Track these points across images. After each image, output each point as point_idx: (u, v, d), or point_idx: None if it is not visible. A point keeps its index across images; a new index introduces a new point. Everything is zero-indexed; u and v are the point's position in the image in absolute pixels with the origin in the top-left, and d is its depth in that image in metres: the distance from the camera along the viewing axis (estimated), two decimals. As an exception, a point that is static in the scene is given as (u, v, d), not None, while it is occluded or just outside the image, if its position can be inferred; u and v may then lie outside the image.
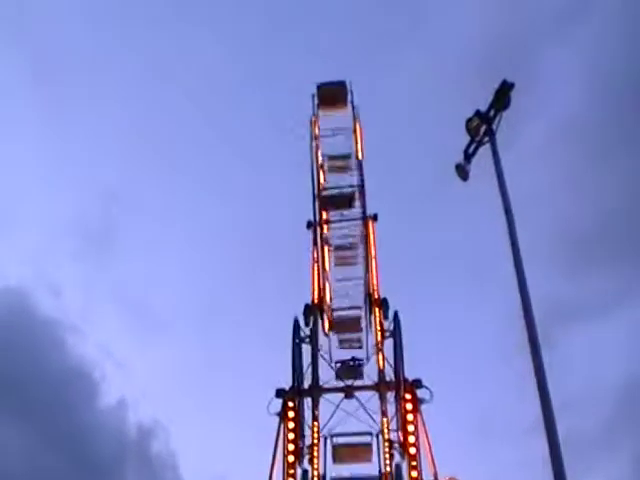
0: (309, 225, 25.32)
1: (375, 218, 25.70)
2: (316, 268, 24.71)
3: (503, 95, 14.80)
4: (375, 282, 24.39)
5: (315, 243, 25.21)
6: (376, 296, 23.97)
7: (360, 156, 27.03)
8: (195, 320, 67.66)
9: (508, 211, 14.02)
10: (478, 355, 56.61)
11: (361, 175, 26.66)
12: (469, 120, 15.55)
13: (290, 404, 21.47)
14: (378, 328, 23.25)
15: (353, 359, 23.51)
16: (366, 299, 24.50)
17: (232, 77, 66.79)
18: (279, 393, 21.69)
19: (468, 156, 15.82)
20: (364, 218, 25.75)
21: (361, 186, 26.44)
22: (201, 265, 68.18)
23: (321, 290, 24.43)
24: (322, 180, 26.79)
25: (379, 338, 22.88)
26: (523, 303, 12.76)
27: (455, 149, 15.81)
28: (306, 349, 22.92)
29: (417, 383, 21.06)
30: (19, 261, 65.44)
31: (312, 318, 23.32)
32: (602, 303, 54.58)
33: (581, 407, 48.25)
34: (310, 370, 22.61)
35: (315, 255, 24.93)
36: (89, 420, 56.24)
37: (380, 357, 22.70)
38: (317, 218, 25.76)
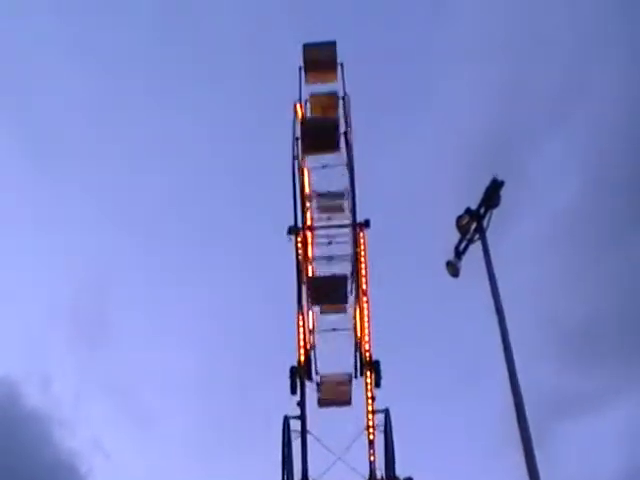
0: (290, 231, 22.87)
1: (367, 224, 23.30)
2: (301, 325, 22.66)
3: (493, 193, 15.07)
4: (367, 339, 22.67)
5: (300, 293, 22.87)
6: (368, 357, 22.55)
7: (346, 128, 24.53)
8: (187, 414, 66.68)
9: (499, 310, 14.09)
10: (470, 453, 55.75)
11: (350, 152, 24.25)
12: (460, 217, 15.77)
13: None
14: (368, 395, 22.43)
15: None
16: (356, 362, 23.22)
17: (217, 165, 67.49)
18: (270, 488, 21.28)
19: (459, 253, 15.99)
20: (354, 224, 23.43)
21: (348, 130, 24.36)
22: (194, 359, 67.69)
23: (307, 352, 22.76)
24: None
25: (369, 422, 22.46)
26: (515, 401, 12.75)
27: (448, 246, 15.98)
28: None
29: (409, 481, 20.81)
30: (8, 351, 64.81)
31: (299, 382, 22.14)
32: (596, 399, 54.10)
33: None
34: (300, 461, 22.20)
35: (300, 317, 22.72)
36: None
37: (370, 442, 22.27)
38: (301, 214, 23.63)
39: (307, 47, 24.31)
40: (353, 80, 24.53)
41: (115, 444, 68.51)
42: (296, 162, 23.57)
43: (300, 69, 24.51)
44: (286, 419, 22.27)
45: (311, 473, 22.06)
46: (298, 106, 24.08)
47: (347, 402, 23.13)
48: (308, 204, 24.03)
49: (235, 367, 60.09)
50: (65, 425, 61.20)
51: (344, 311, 23.28)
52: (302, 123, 23.88)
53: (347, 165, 24.00)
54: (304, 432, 21.79)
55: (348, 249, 23.42)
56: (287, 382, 22.00)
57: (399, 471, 21.46)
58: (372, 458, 22.23)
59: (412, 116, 62.74)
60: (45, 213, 67.58)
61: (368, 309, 22.53)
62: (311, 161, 24.48)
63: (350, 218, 23.65)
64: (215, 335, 64.36)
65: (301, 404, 21.94)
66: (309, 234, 23.37)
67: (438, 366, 59.06)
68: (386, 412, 22.44)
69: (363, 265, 22.89)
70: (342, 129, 24.26)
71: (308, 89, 24.86)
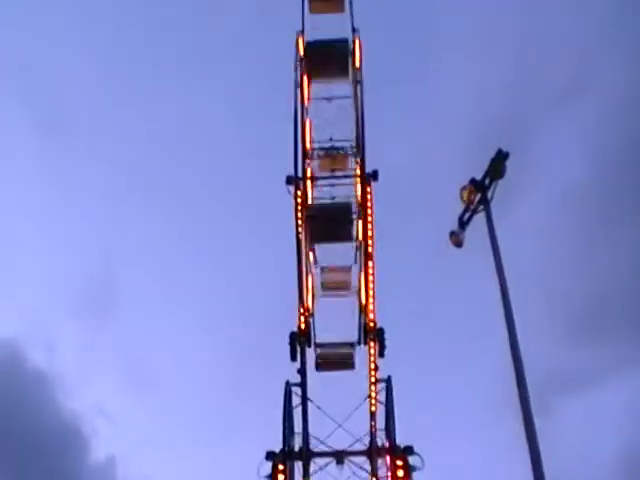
0: (289, 180, 21.15)
1: (375, 177, 21.50)
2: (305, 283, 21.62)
3: (498, 164, 15.01)
4: (372, 307, 21.64)
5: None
6: (372, 325, 21.63)
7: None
8: (188, 381, 67.19)
9: (502, 282, 14.10)
10: (472, 422, 56.11)
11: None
12: (464, 188, 15.72)
13: (280, 467, 21.02)
14: (372, 367, 22.15)
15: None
16: (360, 329, 22.52)
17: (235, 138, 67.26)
18: (269, 456, 21.22)
19: (462, 224, 15.97)
20: (362, 175, 21.57)
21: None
22: (199, 327, 68.03)
23: (307, 317, 21.84)
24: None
25: (372, 393, 22.41)
26: (516, 373, 12.79)
27: (453, 217, 15.95)
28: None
29: (409, 450, 20.79)
30: (15, 315, 65.23)
31: (299, 349, 21.59)
32: (599, 375, 54.30)
33: (578, 478, 47.80)
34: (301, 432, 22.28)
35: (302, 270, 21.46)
36: (79, 475, 55.67)
37: (372, 413, 22.31)
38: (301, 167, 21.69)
39: None
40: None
41: (118, 408, 69.16)
42: (298, 92, 21.70)
43: None
44: (287, 385, 22.30)
45: (312, 441, 22.28)
46: (300, 39, 21.62)
47: (350, 365, 22.75)
48: (309, 161, 22.36)
49: (239, 334, 60.48)
50: (69, 389, 62.01)
51: (347, 288, 22.71)
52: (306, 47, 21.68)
53: (354, 97, 22.05)
54: (305, 399, 21.81)
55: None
56: (287, 348, 21.48)
57: (399, 439, 21.58)
58: (373, 428, 22.36)
59: (422, 87, 62.61)
60: (55, 185, 67.78)
61: (373, 274, 21.58)
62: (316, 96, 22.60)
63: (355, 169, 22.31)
64: (220, 304, 64.76)
65: (301, 371, 21.80)
66: (309, 184, 21.85)
67: (440, 335, 59.23)
68: (388, 380, 22.45)
69: (370, 225, 21.38)
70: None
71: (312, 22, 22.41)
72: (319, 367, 22.60)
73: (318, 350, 22.52)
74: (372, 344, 21.69)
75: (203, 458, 60.42)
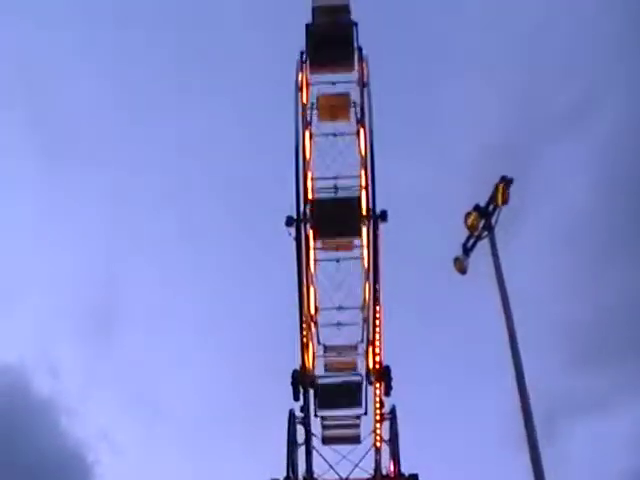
0: (289, 222, 19.73)
1: (384, 217, 19.70)
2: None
3: (502, 190, 15.01)
4: (378, 349, 20.78)
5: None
6: (377, 365, 21.00)
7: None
8: (193, 408, 66.89)
9: (506, 308, 14.06)
10: (477, 450, 55.77)
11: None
12: (468, 214, 15.73)
13: (286, 494, 20.90)
14: (377, 406, 21.66)
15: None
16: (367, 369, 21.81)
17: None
18: (273, 485, 21.12)
19: (467, 250, 15.96)
20: (371, 217, 19.93)
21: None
22: (203, 351, 67.92)
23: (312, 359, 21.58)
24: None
25: (377, 431, 22.29)
26: (521, 400, 12.71)
27: (458, 243, 15.94)
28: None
29: (413, 478, 20.66)
30: (18, 340, 65.13)
31: (301, 389, 21.00)
32: (606, 399, 54.02)
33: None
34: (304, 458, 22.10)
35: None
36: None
37: (377, 449, 22.11)
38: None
39: None
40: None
41: (122, 435, 68.63)
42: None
43: None
44: (291, 414, 22.15)
45: (316, 469, 22.09)
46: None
47: (356, 440, 22.30)
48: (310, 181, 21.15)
49: (244, 358, 60.24)
50: (73, 415, 61.53)
51: (353, 368, 22.13)
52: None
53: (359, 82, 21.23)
54: (308, 437, 21.71)
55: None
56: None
57: (404, 468, 21.40)
58: (378, 457, 22.17)
59: (426, 113, 62.77)
60: (55, 206, 68.02)
61: (380, 319, 20.57)
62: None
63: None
64: (224, 327, 64.59)
65: (305, 409, 21.44)
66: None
67: (445, 363, 59.03)
68: (392, 410, 22.29)
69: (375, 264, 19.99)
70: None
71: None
72: (325, 442, 22.38)
73: (323, 422, 22.34)
74: (378, 384, 21.09)
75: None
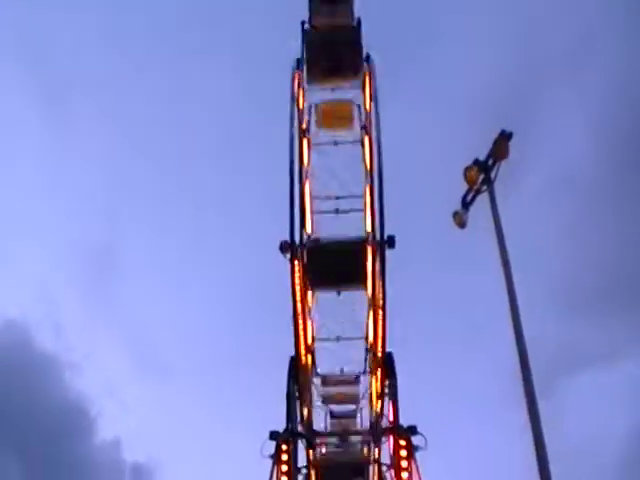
0: (282, 248, 18.49)
1: (391, 244, 18.19)
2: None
3: (501, 145, 14.94)
4: (380, 347, 19.94)
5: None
6: (379, 353, 20.51)
7: None
8: (195, 361, 67.48)
9: (505, 261, 14.08)
10: (476, 404, 56.31)
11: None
12: (467, 169, 15.68)
13: (284, 447, 20.97)
14: (377, 386, 21.34)
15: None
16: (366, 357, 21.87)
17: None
18: (273, 435, 21.17)
19: (466, 204, 15.94)
20: (377, 241, 18.66)
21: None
22: (205, 307, 68.27)
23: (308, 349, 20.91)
24: None
25: (377, 387, 22.26)
26: (520, 353, 12.78)
27: (457, 197, 15.90)
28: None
29: (412, 430, 20.71)
30: (20, 295, 65.53)
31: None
32: (605, 354, 54.59)
33: (585, 455, 48.04)
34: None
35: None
36: (85, 456, 56.12)
37: (376, 403, 22.21)
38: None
39: None
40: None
41: (124, 387, 69.65)
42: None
43: None
44: (291, 360, 22.18)
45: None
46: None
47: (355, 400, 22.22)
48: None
49: (245, 307, 60.70)
50: (76, 369, 62.23)
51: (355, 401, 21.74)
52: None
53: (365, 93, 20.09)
54: (309, 401, 21.63)
55: None
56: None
57: (403, 420, 21.49)
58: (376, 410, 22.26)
59: (425, 68, 62.30)
60: (57, 155, 67.97)
61: (384, 321, 19.01)
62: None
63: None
64: (229, 284, 64.98)
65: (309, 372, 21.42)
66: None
67: (444, 318, 59.42)
68: (389, 357, 22.10)
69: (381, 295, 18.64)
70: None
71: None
72: (324, 401, 22.33)
73: (322, 390, 22.16)
74: (379, 374, 20.65)
75: (208, 438, 60.94)
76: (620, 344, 53.36)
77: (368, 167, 19.03)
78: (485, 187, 15.35)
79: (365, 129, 19.90)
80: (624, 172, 52.33)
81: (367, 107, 20.07)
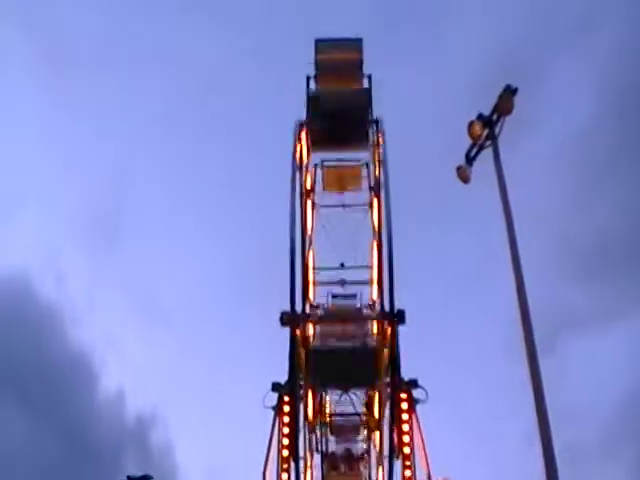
0: (283, 320, 18.13)
1: (401, 319, 18.21)
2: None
3: (506, 100, 14.79)
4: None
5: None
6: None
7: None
8: (197, 313, 68.12)
9: (508, 216, 14.02)
10: (477, 359, 56.87)
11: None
12: (471, 123, 15.54)
13: (286, 398, 21.13)
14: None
15: None
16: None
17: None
18: (275, 387, 21.35)
19: (470, 159, 15.83)
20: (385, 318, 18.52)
21: None
22: (206, 258, 68.50)
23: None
24: None
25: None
26: (521, 311, 12.77)
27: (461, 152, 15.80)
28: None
29: (413, 383, 20.84)
30: (23, 247, 65.70)
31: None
32: (603, 314, 54.94)
33: (581, 415, 48.69)
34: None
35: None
36: (89, 406, 56.92)
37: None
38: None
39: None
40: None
41: (127, 338, 70.23)
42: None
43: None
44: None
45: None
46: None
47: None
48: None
49: (249, 269, 61.05)
50: (78, 320, 62.78)
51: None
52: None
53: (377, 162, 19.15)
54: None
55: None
56: None
57: (404, 373, 21.52)
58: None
59: (432, 25, 61.79)
60: (62, 111, 67.57)
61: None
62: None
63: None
64: (230, 237, 65.12)
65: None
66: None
67: (446, 272, 59.68)
68: (398, 315, 22.08)
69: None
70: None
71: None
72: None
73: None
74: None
75: (211, 389, 61.71)
76: (620, 305, 53.78)
77: (376, 233, 18.53)
78: (489, 142, 15.23)
79: (373, 190, 19.24)
80: (628, 134, 52.06)
81: (376, 173, 19.34)
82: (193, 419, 60.85)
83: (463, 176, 16.06)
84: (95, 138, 70.66)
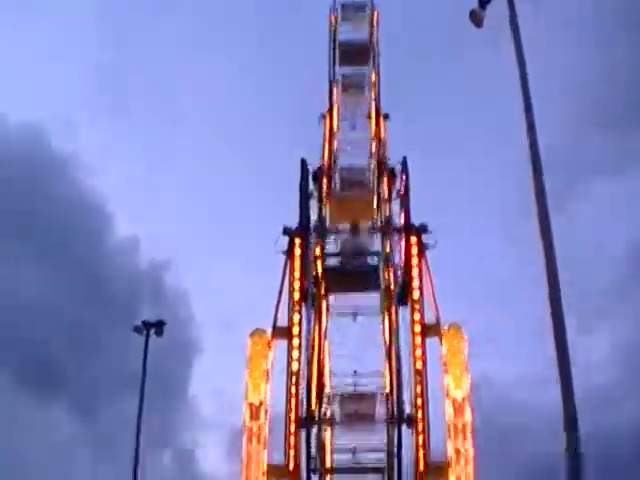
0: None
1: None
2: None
3: None
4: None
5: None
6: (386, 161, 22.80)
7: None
8: (208, 159, 68.07)
9: (521, 63, 13.80)
10: (486, 212, 57.16)
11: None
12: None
13: (297, 241, 21.46)
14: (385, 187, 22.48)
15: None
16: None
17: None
18: (286, 231, 21.62)
19: (483, 3, 15.47)
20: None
21: None
22: (220, 104, 68.10)
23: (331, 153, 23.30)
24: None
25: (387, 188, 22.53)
26: (533, 164, 12.74)
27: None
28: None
29: (423, 228, 21.03)
30: (36, 96, 64.93)
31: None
32: (619, 161, 54.70)
33: (592, 262, 49.40)
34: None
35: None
36: (104, 256, 57.78)
37: (388, 202, 22.39)
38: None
39: None
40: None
41: (141, 186, 70.57)
42: None
43: None
44: (303, 162, 22.29)
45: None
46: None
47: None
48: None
49: (260, 117, 60.71)
50: (91, 169, 63.15)
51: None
52: None
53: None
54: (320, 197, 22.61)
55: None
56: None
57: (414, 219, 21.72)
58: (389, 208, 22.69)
59: None
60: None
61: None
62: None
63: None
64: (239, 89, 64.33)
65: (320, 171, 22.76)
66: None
67: (457, 122, 59.16)
68: (403, 162, 22.29)
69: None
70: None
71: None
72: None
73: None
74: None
75: (223, 236, 62.61)
76: (632, 156, 53.52)
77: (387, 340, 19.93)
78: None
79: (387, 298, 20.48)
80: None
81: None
82: (206, 266, 62.12)
83: (476, 20, 15.74)
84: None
